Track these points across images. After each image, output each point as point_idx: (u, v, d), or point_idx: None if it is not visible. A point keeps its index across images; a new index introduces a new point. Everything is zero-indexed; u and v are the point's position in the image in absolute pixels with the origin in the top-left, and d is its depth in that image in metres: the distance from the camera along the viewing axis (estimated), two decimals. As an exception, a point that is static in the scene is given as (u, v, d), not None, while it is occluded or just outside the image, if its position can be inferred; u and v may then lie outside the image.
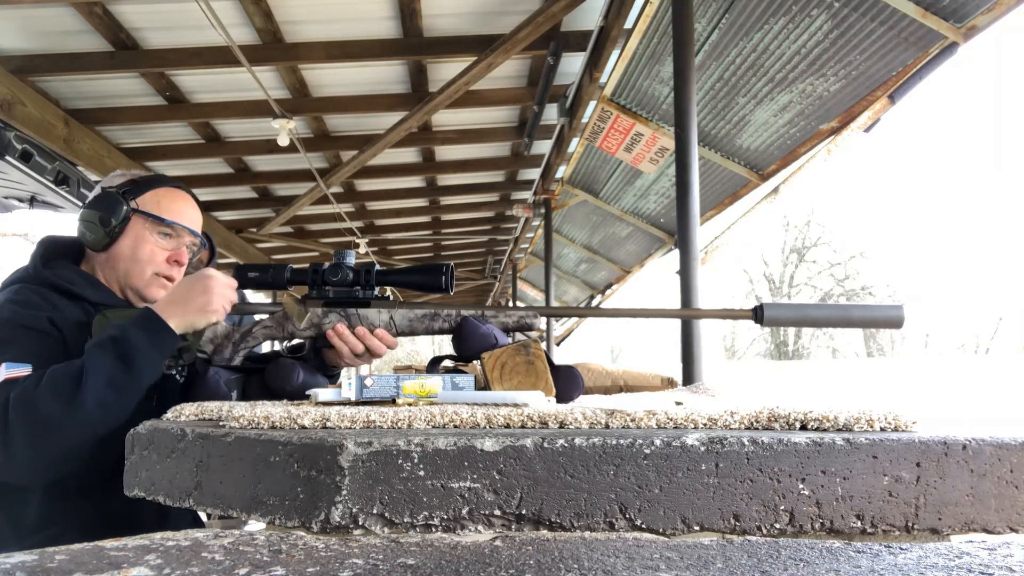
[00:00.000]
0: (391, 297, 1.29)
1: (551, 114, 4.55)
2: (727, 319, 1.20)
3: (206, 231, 1.51)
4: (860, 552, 0.60)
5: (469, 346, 1.19)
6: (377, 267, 1.27)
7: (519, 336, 1.29)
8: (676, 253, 2.52)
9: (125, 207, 1.36)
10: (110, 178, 1.46)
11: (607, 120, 4.29)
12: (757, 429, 0.77)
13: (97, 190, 1.41)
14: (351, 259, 1.27)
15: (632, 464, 0.67)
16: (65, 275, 1.32)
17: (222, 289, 1.23)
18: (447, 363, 1.28)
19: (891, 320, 1.07)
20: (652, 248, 6.09)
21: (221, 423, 0.83)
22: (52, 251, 1.38)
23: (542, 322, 1.47)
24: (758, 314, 1.09)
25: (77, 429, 1.08)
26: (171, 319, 1.19)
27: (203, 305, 1.21)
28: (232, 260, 7.02)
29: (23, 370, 1.13)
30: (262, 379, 1.26)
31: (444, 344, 22.75)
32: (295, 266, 1.28)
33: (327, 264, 1.26)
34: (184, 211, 1.44)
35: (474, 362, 1.21)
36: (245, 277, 1.28)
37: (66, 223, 5.03)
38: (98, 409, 1.09)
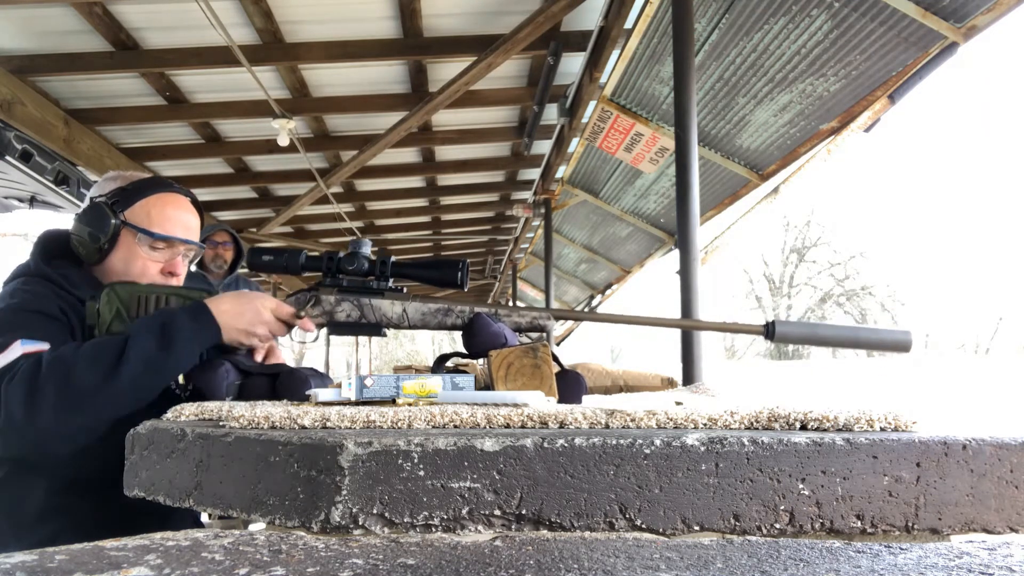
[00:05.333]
0: (404, 290, 1.28)
1: (551, 114, 4.55)
2: (738, 333, 1.19)
3: (229, 229, 1.49)
4: (860, 552, 0.60)
5: (479, 342, 1.19)
6: (393, 258, 1.26)
7: (523, 339, 1.28)
8: (676, 253, 2.52)
9: (113, 221, 1.31)
10: (101, 184, 1.41)
11: (607, 120, 4.28)
12: (757, 429, 0.77)
13: (87, 200, 1.36)
14: (367, 249, 1.26)
15: (632, 464, 0.67)
16: (66, 274, 1.31)
17: (272, 326, 1.26)
18: (456, 359, 1.28)
19: (899, 344, 1.08)
20: (652, 248, 6.09)
21: (221, 423, 0.83)
22: (52, 248, 1.37)
23: (556, 325, 1.46)
24: (769, 330, 1.10)
25: (105, 402, 1.08)
26: (219, 321, 1.21)
27: (249, 329, 1.23)
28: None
29: (40, 346, 1.13)
30: (267, 383, 1.26)
31: (445, 344, 22.74)
32: (310, 252, 1.28)
33: (343, 252, 1.26)
34: (176, 219, 1.38)
35: (477, 361, 1.21)
36: (259, 260, 1.28)
37: (66, 223, 5.02)
38: (130, 387, 1.10)
